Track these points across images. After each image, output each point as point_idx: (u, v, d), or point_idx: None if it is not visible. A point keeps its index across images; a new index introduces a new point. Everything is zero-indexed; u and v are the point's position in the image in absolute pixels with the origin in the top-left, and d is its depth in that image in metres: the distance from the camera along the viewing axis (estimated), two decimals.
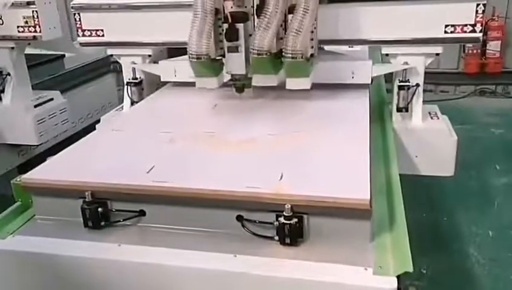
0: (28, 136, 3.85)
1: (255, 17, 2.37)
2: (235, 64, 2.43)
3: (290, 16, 2.26)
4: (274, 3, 2.17)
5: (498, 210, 3.88)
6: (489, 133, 5.38)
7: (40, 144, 3.95)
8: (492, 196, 4.06)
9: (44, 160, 2.13)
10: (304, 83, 2.37)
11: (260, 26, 2.22)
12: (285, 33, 2.30)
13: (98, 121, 3.23)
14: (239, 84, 2.57)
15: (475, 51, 6.35)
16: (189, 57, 2.33)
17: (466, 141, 4.53)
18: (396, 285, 1.45)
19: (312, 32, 2.37)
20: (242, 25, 2.34)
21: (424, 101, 3.02)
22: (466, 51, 6.40)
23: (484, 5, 2.58)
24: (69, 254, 1.71)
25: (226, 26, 2.35)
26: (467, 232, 3.58)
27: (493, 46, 6.27)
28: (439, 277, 3.12)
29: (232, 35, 2.34)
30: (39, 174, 1.96)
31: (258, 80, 2.40)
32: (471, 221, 3.70)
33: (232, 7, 2.34)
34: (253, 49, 2.25)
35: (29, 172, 1.98)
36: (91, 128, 2.97)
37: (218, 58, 2.43)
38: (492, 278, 3.12)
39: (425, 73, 2.87)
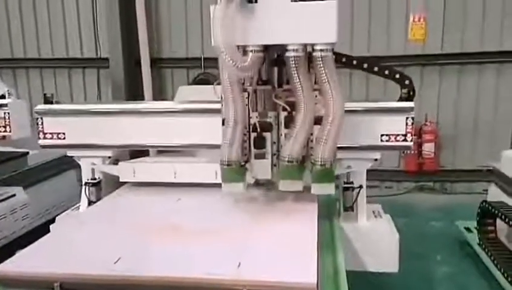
0: None
1: (278, 126, 2.60)
2: (261, 169, 2.61)
3: (316, 127, 2.44)
4: (303, 116, 2.36)
5: None
6: (430, 226, 5.77)
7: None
8: (434, 284, 4.32)
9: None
10: (329, 188, 2.49)
11: (290, 137, 2.41)
12: (307, 141, 2.50)
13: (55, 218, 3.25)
14: (264, 188, 2.74)
15: (412, 152, 6.95)
16: (221, 163, 2.48)
17: (409, 233, 4.87)
18: None
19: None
20: (269, 133, 2.58)
21: (371, 197, 3.28)
22: (404, 152, 7.02)
23: (412, 118, 2.93)
24: None
25: (253, 135, 2.56)
26: None
27: (428, 148, 6.91)
28: None
29: (260, 143, 2.57)
30: (9, 267, 2.04)
31: (285, 186, 2.52)
32: None
33: (257, 117, 2.58)
34: (283, 157, 2.44)
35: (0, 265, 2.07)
36: (50, 223, 3.03)
37: (242, 164, 2.56)
38: None
39: (370, 170, 3.12)
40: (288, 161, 2.43)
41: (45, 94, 3.33)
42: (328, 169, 2.42)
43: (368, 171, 3.17)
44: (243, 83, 2.49)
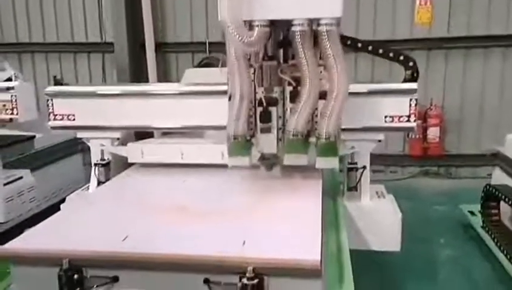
0: None
1: (284, 101, 2.63)
2: (267, 144, 2.65)
3: (321, 102, 2.47)
4: (308, 91, 2.39)
5: (444, 278, 4.16)
6: (434, 210, 5.79)
7: (6, 222, 4.00)
8: (438, 266, 4.36)
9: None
10: (333, 162, 2.53)
11: (295, 111, 2.44)
12: (312, 116, 2.53)
13: (63, 200, 3.30)
14: (269, 163, 2.77)
15: (417, 136, 6.94)
16: (227, 137, 2.51)
17: (414, 217, 4.92)
18: None
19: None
20: (274, 108, 2.62)
21: (376, 181, 3.36)
22: (409, 136, 7.01)
23: (416, 99, 2.98)
24: None
25: (260, 109, 2.60)
26: None
27: (433, 132, 6.89)
28: None
29: (266, 117, 2.60)
30: (18, 244, 2.07)
31: (289, 160, 2.56)
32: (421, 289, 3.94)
33: (263, 92, 2.61)
34: (288, 131, 2.47)
35: (9, 242, 2.08)
36: (57, 206, 3.06)
37: (248, 138, 2.59)
38: None
39: (375, 155, 3.18)
40: (293, 135, 2.46)
41: (54, 76, 3.40)
42: (333, 143, 2.44)
43: (373, 155, 3.20)
44: (249, 59, 2.50)
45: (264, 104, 2.59)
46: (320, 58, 2.45)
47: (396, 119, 3.01)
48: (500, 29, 6.69)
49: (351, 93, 2.98)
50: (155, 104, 3.26)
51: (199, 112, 3.17)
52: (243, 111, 2.45)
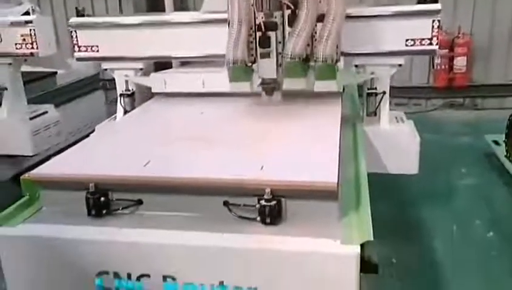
0: (23, 147, 4.04)
1: (283, 26, 2.60)
2: (267, 69, 2.66)
3: (319, 24, 2.48)
4: (305, 14, 2.40)
5: (463, 204, 4.21)
6: (458, 141, 5.72)
7: (35, 155, 4.12)
8: (457, 195, 4.39)
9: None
10: (331, 85, 2.56)
11: (293, 34, 2.45)
12: (311, 40, 2.53)
13: (87, 136, 3.41)
14: (270, 87, 2.80)
15: (443, 66, 6.70)
16: (227, 63, 2.54)
17: (436, 148, 4.90)
18: (358, 251, 1.69)
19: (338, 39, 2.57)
20: (273, 33, 2.59)
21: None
22: (435, 67, 6.78)
23: (439, 20, 2.87)
24: (76, 237, 1.89)
25: (259, 34, 2.58)
26: (435, 226, 3.85)
27: (459, 62, 6.63)
28: (409, 265, 3.38)
29: (265, 42, 2.59)
30: (47, 169, 2.16)
31: (289, 84, 2.61)
32: (439, 216, 3.99)
33: (262, 17, 2.57)
34: (286, 54, 2.48)
35: (38, 167, 2.17)
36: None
37: (249, 64, 2.62)
38: (456, 264, 3.41)
39: (398, 87, 3.18)
40: (291, 58, 2.47)
41: (76, 8, 3.41)
42: (330, 65, 2.46)
43: (396, 88, 3.16)
44: None
45: (263, 29, 2.57)
46: None
47: (417, 42, 2.92)
48: None
49: (371, 17, 2.93)
50: (177, 33, 3.22)
51: (221, 41, 3.13)
52: (242, 36, 2.45)
